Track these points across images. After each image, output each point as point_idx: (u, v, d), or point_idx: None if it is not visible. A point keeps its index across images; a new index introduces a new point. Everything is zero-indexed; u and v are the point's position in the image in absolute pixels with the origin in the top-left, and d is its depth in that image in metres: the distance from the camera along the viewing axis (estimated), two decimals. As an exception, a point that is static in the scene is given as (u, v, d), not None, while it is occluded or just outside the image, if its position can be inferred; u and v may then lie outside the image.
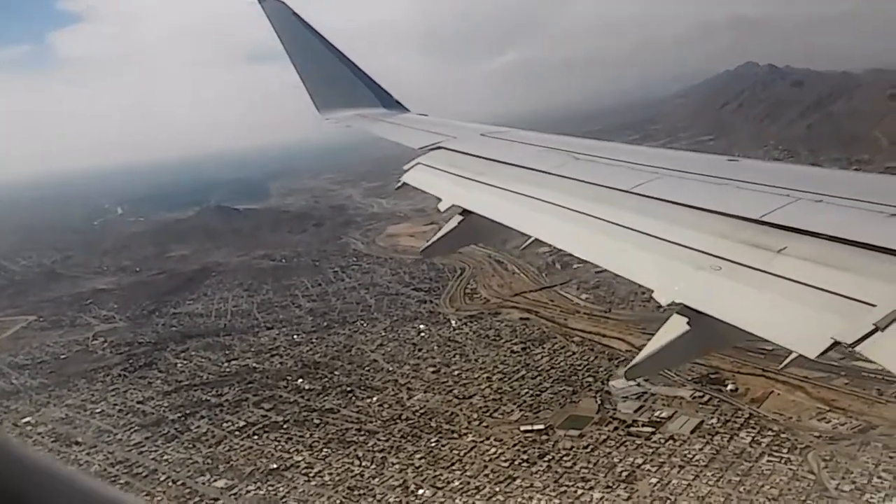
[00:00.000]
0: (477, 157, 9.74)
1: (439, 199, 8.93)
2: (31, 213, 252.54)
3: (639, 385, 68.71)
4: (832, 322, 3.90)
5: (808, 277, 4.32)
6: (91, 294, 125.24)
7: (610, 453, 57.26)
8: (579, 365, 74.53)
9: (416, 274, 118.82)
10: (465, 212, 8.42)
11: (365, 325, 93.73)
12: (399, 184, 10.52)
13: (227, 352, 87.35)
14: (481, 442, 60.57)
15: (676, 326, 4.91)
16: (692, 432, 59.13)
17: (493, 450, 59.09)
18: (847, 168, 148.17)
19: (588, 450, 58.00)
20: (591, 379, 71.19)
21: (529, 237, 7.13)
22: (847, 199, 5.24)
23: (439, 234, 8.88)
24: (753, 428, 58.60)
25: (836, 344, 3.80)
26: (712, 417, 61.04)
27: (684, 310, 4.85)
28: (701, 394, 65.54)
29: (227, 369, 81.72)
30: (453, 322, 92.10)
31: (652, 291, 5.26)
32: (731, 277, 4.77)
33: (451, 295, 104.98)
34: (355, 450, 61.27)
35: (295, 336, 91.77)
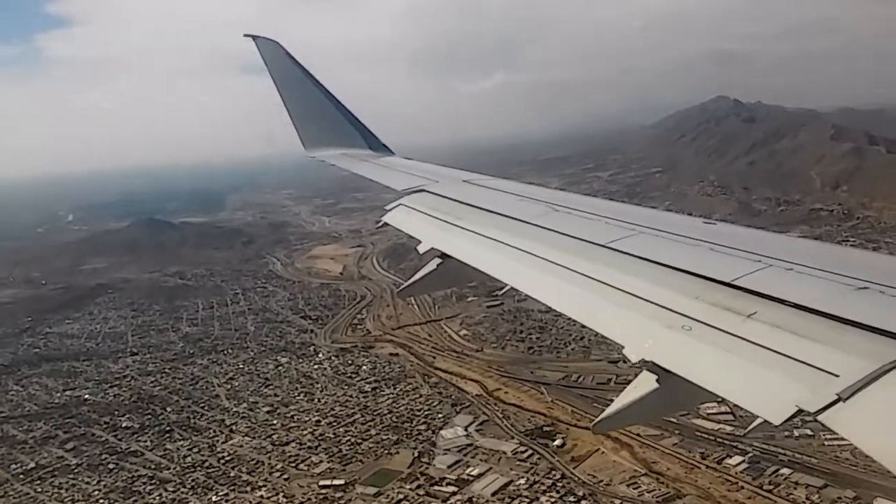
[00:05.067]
0: (458, 202, 9.74)
1: (419, 242, 8.86)
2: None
3: (467, 436, 64.91)
4: (797, 390, 3.94)
5: (775, 344, 4.38)
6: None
7: (397, 517, 53.09)
8: (419, 410, 70.51)
9: (315, 300, 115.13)
10: (443, 255, 8.41)
11: (228, 355, 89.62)
12: (380, 223, 10.54)
13: (69, 380, 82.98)
14: (270, 497, 56.31)
15: (645, 383, 4.85)
16: (494, 494, 55.04)
17: (277, 508, 54.85)
18: (775, 208, 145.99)
19: (376, 511, 53.82)
20: (423, 426, 67.16)
21: (505, 285, 7.17)
22: (817, 269, 5.33)
23: (417, 276, 8.87)
24: (558, 492, 54.58)
25: (799, 412, 3.82)
26: (522, 477, 56.94)
27: (653, 367, 4.81)
28: (524, 449, 61.53)
29: (56, 401, 77.29)
30: (320, 356, 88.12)
31: (622, 347, 5.11)
32: (700, 338, 4.81)
33: (335, 325, 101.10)
34: (134, 502, 56.84)
35: (151, 365, 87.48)
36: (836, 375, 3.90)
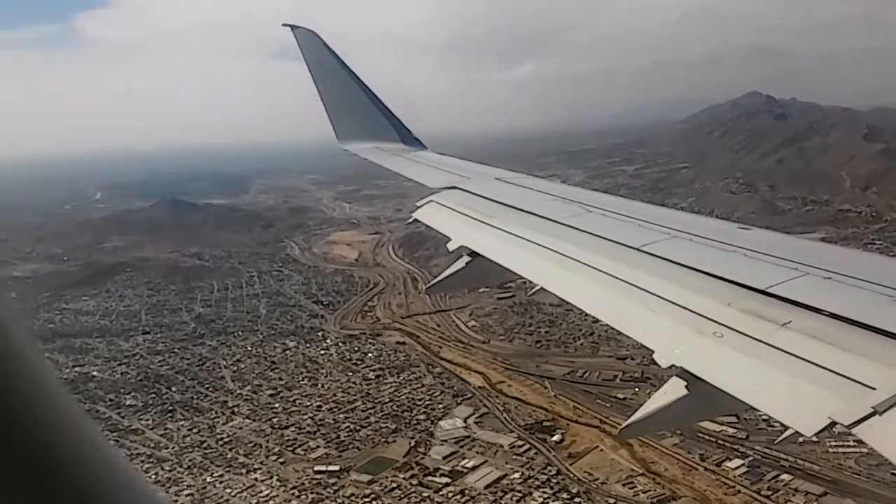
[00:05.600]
0: (490, 199, 9.66)
1: (448, 239, 8.84)
2: (8, 194, 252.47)
3: (466, 428, 64.55)
4: (831, 401, 3.87)
5: (809, 354, 4.29)
6: (2, 281, 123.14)
7: (388, 505, 52.92)
8: (420, 400, 70.27)
9: (328, 286, 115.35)
10: (473, 253, 8.32)
11: (238, 337, 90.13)
12: (410, 219, 10.61)
13: (79, 356, 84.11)
14: (263, 481, 56.50)
15: (674, 390, 4.81)
16: (487, 487, 54.58)
17: (269, 491, 55.02)
18: (800, 207, 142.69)
19: (368, 499, 53.73)
20: (423, 416, 66.91)
21: (536, 285, 7.12)
22: (856, 278, 5.18)
23: (445, 273, 8.87)
24: (552, 488, 53.94)
25: (832, 424, 3.75)
26: (517, 471, 56.44)
27: (683, 373, 4.76)
28: (522, 443, 60.98)
29: (65, 376, 77.93)
30: (327, 341, 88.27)
31: (653, 352, 5.08)
32: (732, 346, 4.73)
33: (346, 311, 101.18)
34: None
35: (161, 344, 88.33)
36: (873, 388, 3.82)
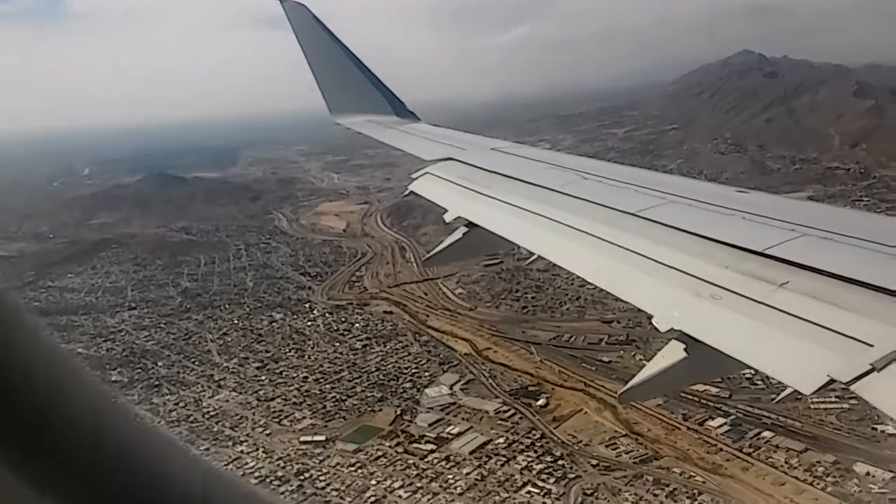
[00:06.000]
0: (486, 170, 9.63)
1: (445, 210, 8.82)
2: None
3: (451, 395, 64.75)
4: (829, 359, 3.91)
5: (807, 313, 4.32)
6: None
7: (374, 473, 53.21)
8: (406, 368, 70.42)
9: (316, 257, 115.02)
10: (469, 224, 8.35)
11: (224, 310, 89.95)
12: (406, 192, 10.44)
13: (64, 334, 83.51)
14: (249, 453, 56.78)
15: (673, 353, 4.84)
16: (472, 453, 54.92)
17: (255, 463, 55.31)
18: (789, 166, 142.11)
19: (354, 468, 54.02)
20: (409, 384, 67.12)
21: (533, 254, 7.13)
22: (855, 238, 5.20)
23: (443, 245, 8.89)
24: (536, 452, 54.36)
25: (831, 381, 3.80)
26: (501, 436, 56.74)
27: (682, 336, 4.78)
28: (507, 408, 61.23)
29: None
30: (314, 312, 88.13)
31: (651, 316, 5.08)
32: (730, 308, 4.75)
33: (333, 282, 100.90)
34: (117, 453, 57.56)
35: (147, 319, 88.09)
36: (871, 345, 3.84)
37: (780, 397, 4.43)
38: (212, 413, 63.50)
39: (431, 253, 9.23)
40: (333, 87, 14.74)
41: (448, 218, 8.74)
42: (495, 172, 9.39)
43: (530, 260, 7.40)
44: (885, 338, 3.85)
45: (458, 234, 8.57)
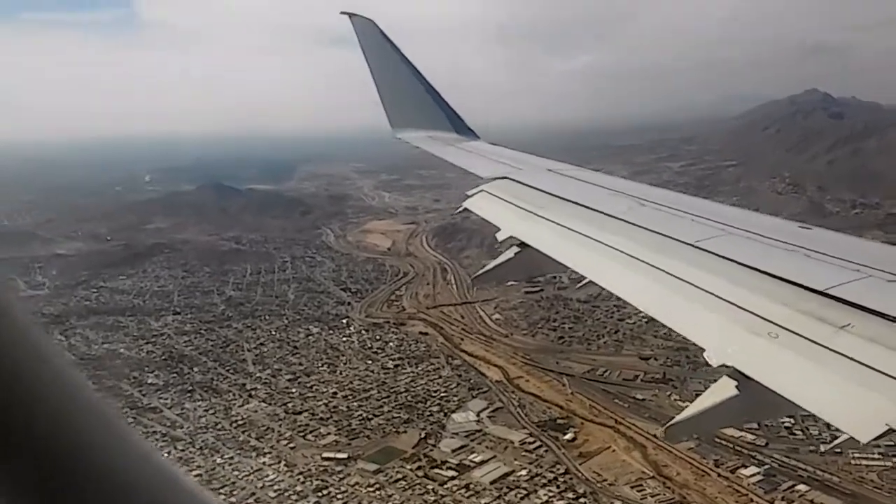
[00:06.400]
0: (541, 191, 9.67)
1: (498, 229, 8.87)
2: (62, 174, 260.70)
3: (478, 422, 64.02)
4: (889, 408, 3.77)
5: (868, 358, 4.17)
6: (46, 259, 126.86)
7: (392, 495, 52.83)
8: (435, 391, 69.98)
9: (358, 273, 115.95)
10: (521, 244, 8.36)
11: (264, 321, 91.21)
12: (460, 209, 10.52)
13: (109, 334, 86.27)
14: (271, 465, 57.01)
15: (724, 389, 4.68)
16: (493, 483, 54.03)
17: (275, 475, 55.48)
18: (849, 210, 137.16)
19: (372, 488, 53.70)
20: (436, 408, 66.64)
21: (585, 278, 6.97)
22: None
23: (494, 263, 8.89)
24: (558, 487, 53.08)
25: (890, 430, 3.67)
26: (524, 468, 55.68)
27: (734, 373, 4.65)
28: (533, 440, 60.16)
29: (93, 353, 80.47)
30: (350, 329, 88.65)
31: (704, 350, 4.96)
32: (787, 347, 4.61)
33: (373, 300, 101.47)
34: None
35: (189, 325, 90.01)
36: None
37: (833, 444, 4.30)
38: (240, 422, 64.19)
39: (482, 270, 9.23)
40: (396, 102, 14.93)
41: (500, 237, 8.76)
42: (551, 194, 9.41)
43: (579, 284, 7.27)
44: None
45: (509, 254, 8.56)
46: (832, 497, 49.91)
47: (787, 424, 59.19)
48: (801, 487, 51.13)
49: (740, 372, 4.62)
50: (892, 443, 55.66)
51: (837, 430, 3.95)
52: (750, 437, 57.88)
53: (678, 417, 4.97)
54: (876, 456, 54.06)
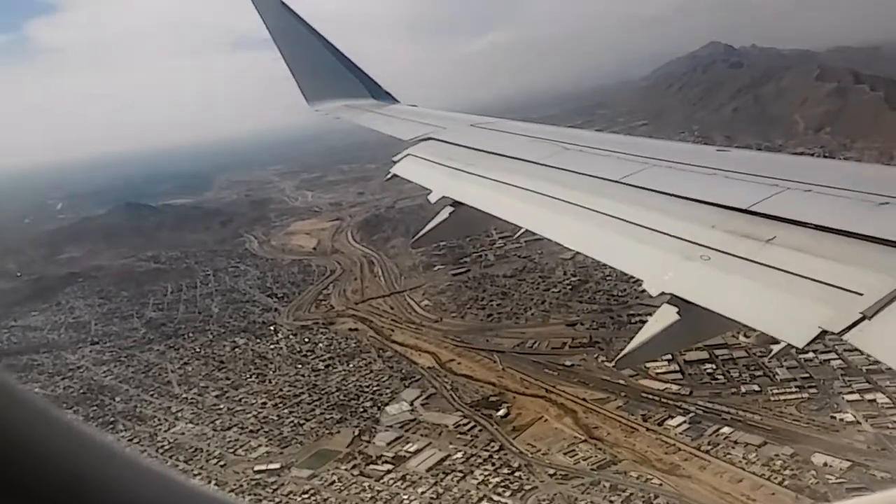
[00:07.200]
0: (467, 147, 9.58)
1: (429, 191, 8.81)
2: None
3: (411, 411, 63.51)
4: (820, 311, 3.92)
5: (796, 267, 4.34)
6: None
7: (328, 499, 51.91)
8: (368, 387, 69.09)
9: (284, 278, 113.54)
10: (455, 203, 8.33)
11: (187, 339, 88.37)
12: (389, 175, 10.36)
13: (23, 374, 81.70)
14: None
15: (666, 316, 4.85)
16: (429, 470, 53.69)
17: (206, 495, 53.66)
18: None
19: (307, 495, 52.65)
20: (369, 403, 65.82)
21: (520, 228, 7.04)
22: (836, 188, 5.21)
23: (429, 226, 8.78)
24: (493, 464, 53.14)
25: (823, 333, 3.81)
26: (460, 451, 55.51)
27: (673, 299, 4.81)
28: (467, 421, 60.03)
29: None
30: (278, 335, 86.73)
31: (642, 281, 5.17)
32: (720, 267, 4.78)
33: (300, 302, 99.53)
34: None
35: (107, 354, 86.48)
36: (860, 294, 3.83)
37: (773, 353, 4.43)
38: (166, 447, 62.00)
39: (419, 234, 9.06)
40: (308, 74, 14.50)
41: (433, 198, 8.68)
42: (476, 149, 9.33)
43: (517, 234, 7.35)
44: (874, 285, 3.81)
45: (444, 214, 8.51)
46: (755, 434, 51.41)
47: (708, 371, 60.84)
48: (725, 430, 52.53)
49: (679, 297, 4.75)
50: (806, 374, 57.91)
51: (774, 340, 4.05)
52: (675, 387, 59.20)
53: (625, 350, 5.04)
54: (793, 389, 56.11)
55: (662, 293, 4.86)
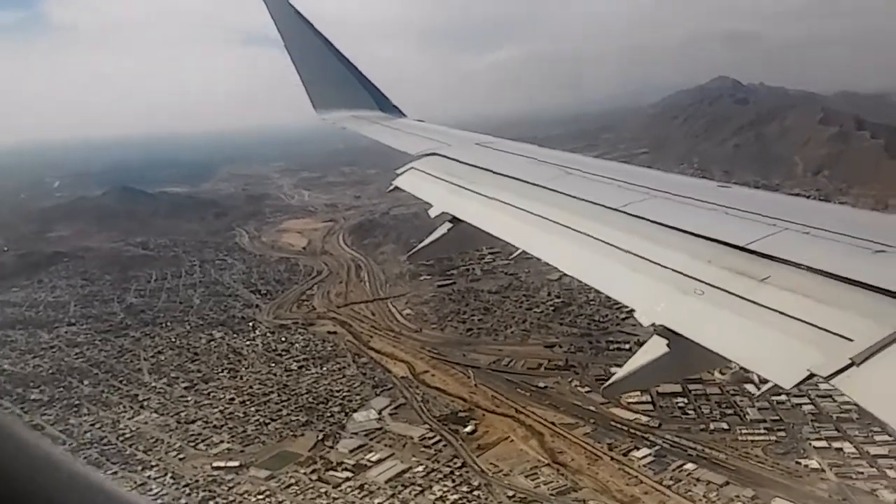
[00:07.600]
0: (470, 165, 9.65)
1: (430, 205, 8.86)
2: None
3: (379, 420, 62.85)
4: (810, 354, 3.91)
5: (789, 308, 4.34)
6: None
7: (282, 502, 51.16)
8: (339, 391, 68.46)
9: (269, 274, 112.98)
10: (454, 219, 8.42)
11: (165, 328, 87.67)
12: (391, 187, 10.37)
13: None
14: (157, 478, 54.53)
15: (656, 348, 4.89)
16: (388, 481, 52.97)
17: (159, 489, 53.05)
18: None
19: (262, 496, 51.89)
20: (337, 408, 65.18)
21: (517, 248, 7.11)
22: (834, 232, 5.22)
23: (427, 241, 8.91)
24: (453, 482, 52.43)
25: (811, 376, 3.81)
26: (421, 465, 54.83)
27: (664, 331, 4.84)
28: (433, 435, 59.38)
29: (-28, 370, 75.71)
30: (255, 332, 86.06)
31: (633, 311, 5.14)
32: (713, 303, 4.78)
33: (283, 301, 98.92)
34: (19, 476, 55.16)
35: (82, 336, 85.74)
36: (851, 339, 3.82)
37: (760, 392, 4.45)
38: (128, 435, 61.25)
39: (417, 248, 9.12)
40: (317, 83, 14.47)
41: (433, 213, 8.71)
42: (480, 167, 9.39)
43: (512, 255, 7.45)
44: (865, 332, 3.80)
45: (443, 230, 8.59)
46: (718, 473, 50.73)
47: (680, 405, 60.27)
48: (689, 466, 51.87)
49: (670, 329, 4.75)
50: (777, 417, 57.36)
51: (749, 378, 4.91)
52: (644, 418, 58.60)
53: (614, 377, 5.06)
54: (761, 431, 55.55)
55: (654, 324, 4.88)
